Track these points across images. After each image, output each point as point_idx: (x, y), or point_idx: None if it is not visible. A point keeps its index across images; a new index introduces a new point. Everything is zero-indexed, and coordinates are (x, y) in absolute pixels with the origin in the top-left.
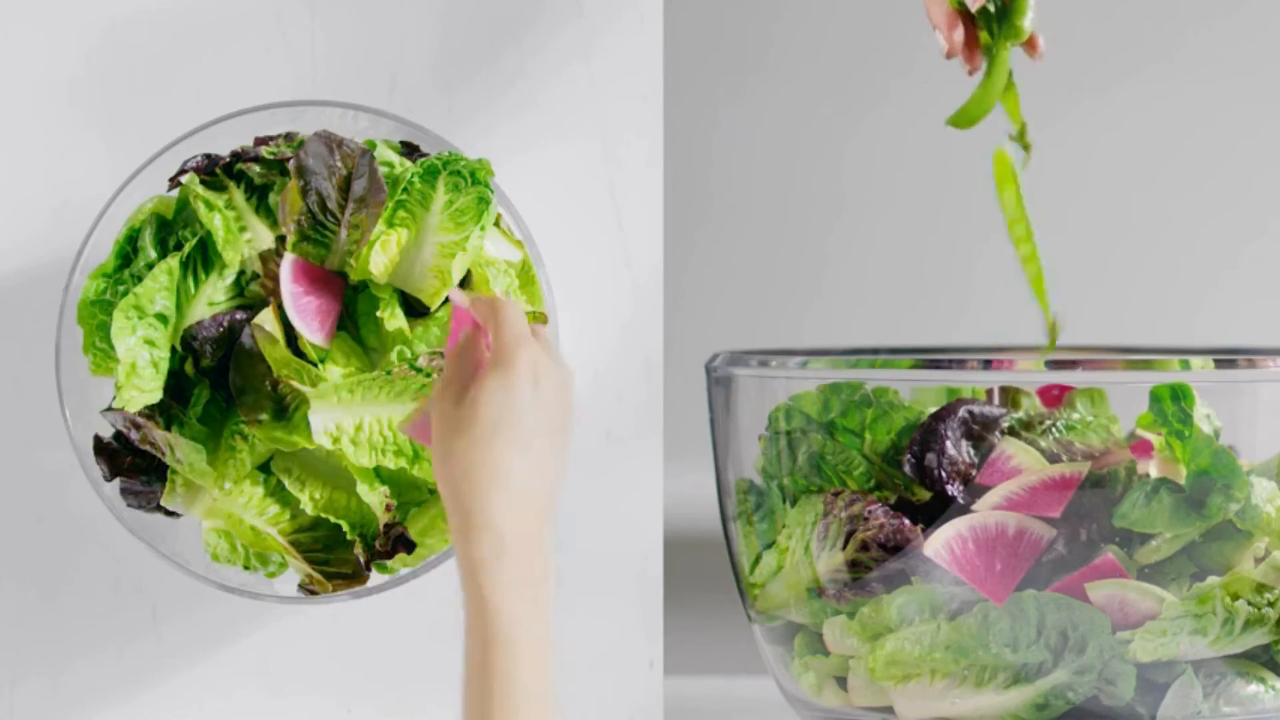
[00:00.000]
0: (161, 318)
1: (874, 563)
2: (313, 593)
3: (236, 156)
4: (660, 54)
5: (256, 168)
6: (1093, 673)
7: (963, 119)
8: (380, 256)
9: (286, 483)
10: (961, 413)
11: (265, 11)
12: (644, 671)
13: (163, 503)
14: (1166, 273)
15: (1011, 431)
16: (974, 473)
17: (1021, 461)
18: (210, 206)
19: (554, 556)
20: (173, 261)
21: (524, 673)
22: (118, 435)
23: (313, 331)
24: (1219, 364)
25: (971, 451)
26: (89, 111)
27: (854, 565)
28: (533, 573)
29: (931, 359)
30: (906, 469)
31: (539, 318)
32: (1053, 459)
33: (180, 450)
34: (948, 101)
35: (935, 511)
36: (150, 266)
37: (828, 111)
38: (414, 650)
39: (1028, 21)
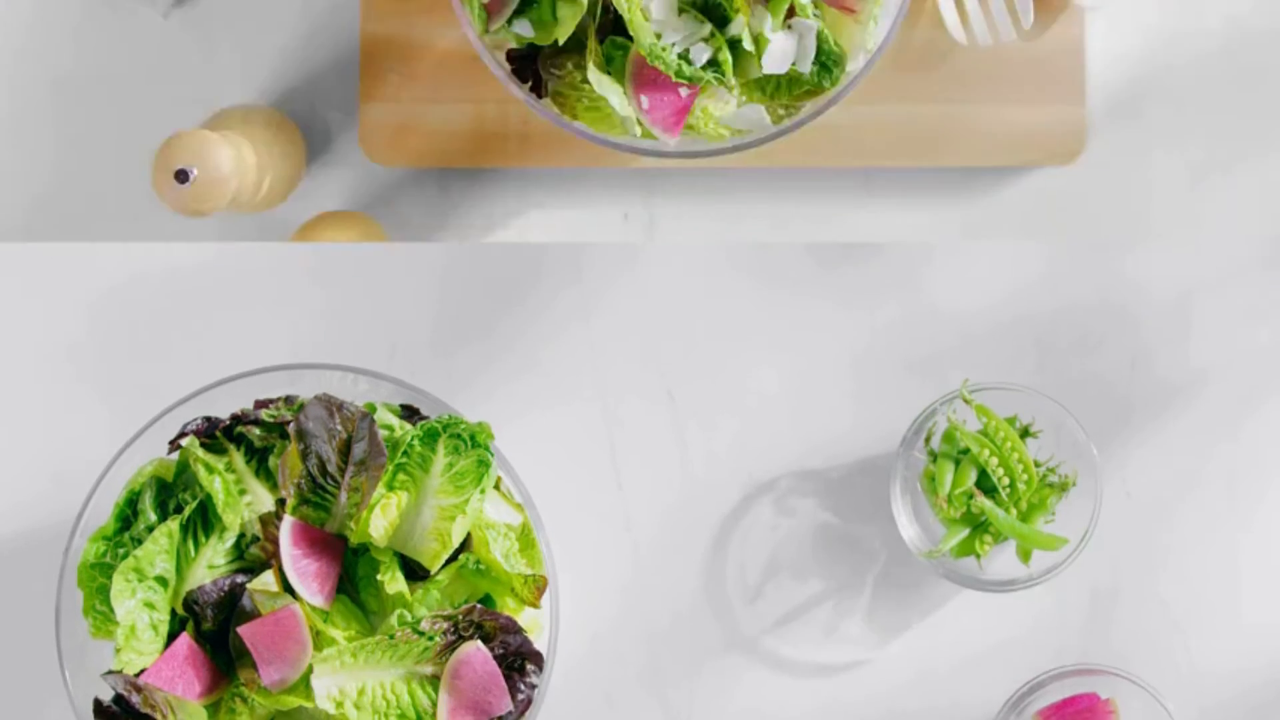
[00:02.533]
0: (161, 580)
1: None
2: None
3: (236, 419)
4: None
5: (256, 430)
6: None
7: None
8: (380, 520)
9: None
10: None
11: (266, 275)
12: None
13: None
14: None
15: None
16: None
17: None
18: (210, 469)
19: None
20: (173, 524)
21: None
22: (118, 699)
23: (313, 594)
24: None
25: None
26: (89, 374)
27: None
28: None
29: None
30: None
31: (539, 580)
32: None
33: (182, 713)
34: None
35: None
36: (150, 529)
37: None
38: None
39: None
